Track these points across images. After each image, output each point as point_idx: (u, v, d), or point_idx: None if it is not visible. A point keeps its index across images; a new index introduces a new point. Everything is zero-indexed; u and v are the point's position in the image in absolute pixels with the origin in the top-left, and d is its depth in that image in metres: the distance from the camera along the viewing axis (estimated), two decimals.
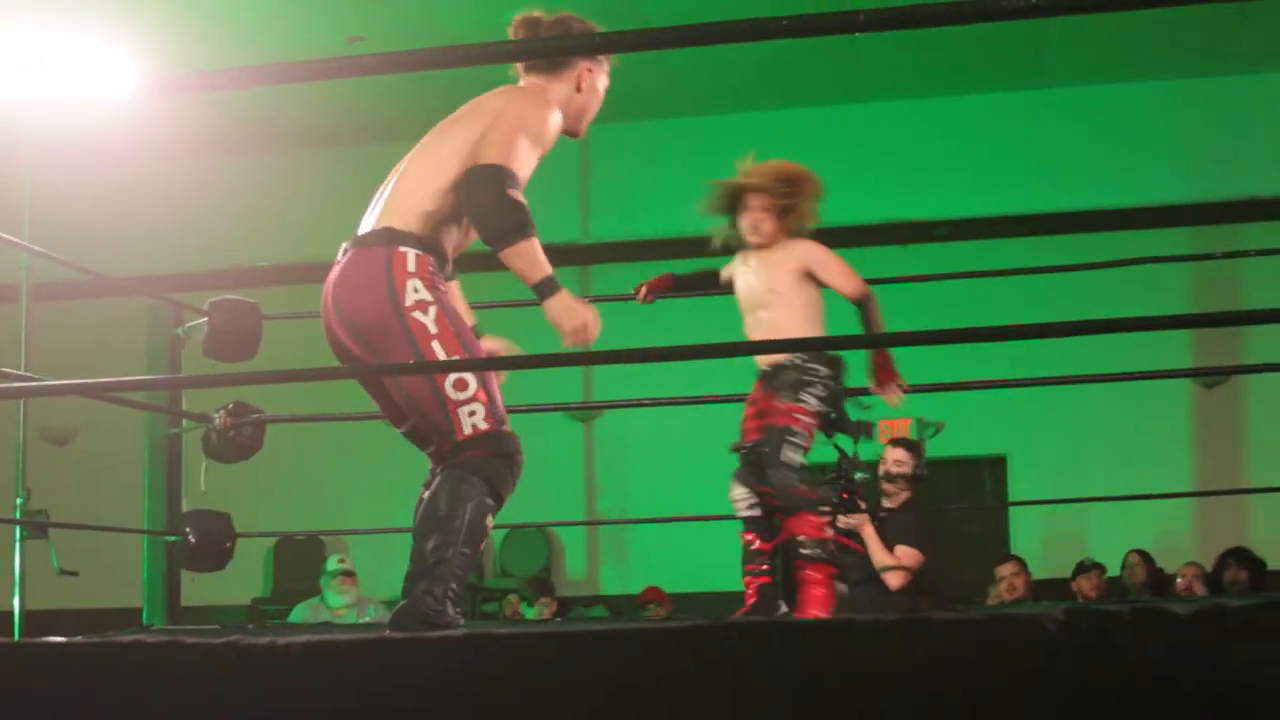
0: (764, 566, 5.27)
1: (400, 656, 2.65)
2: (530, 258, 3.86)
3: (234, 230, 11.15)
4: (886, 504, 7.27)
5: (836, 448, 6.63)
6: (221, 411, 6.53)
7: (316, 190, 10.83)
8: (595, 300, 5.04)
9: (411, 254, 3.89)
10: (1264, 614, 2.50)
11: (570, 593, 11.81)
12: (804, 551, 5.20)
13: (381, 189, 4.12)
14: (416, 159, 4.09)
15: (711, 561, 9.25)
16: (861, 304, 5.20)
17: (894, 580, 7.10)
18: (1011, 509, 11.32)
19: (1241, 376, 11.01)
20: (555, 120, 4.15)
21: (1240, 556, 9.18)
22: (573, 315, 3.88)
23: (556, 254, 4.42)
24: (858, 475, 6.71)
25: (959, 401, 8.08)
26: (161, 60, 8.78)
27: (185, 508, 6.79)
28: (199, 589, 9.26)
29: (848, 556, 7.01)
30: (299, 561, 11.81)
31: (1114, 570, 9.68)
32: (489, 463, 3.80)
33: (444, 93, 10.70)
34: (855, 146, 10.52)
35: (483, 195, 3.87)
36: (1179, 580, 9.38)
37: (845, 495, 6.57)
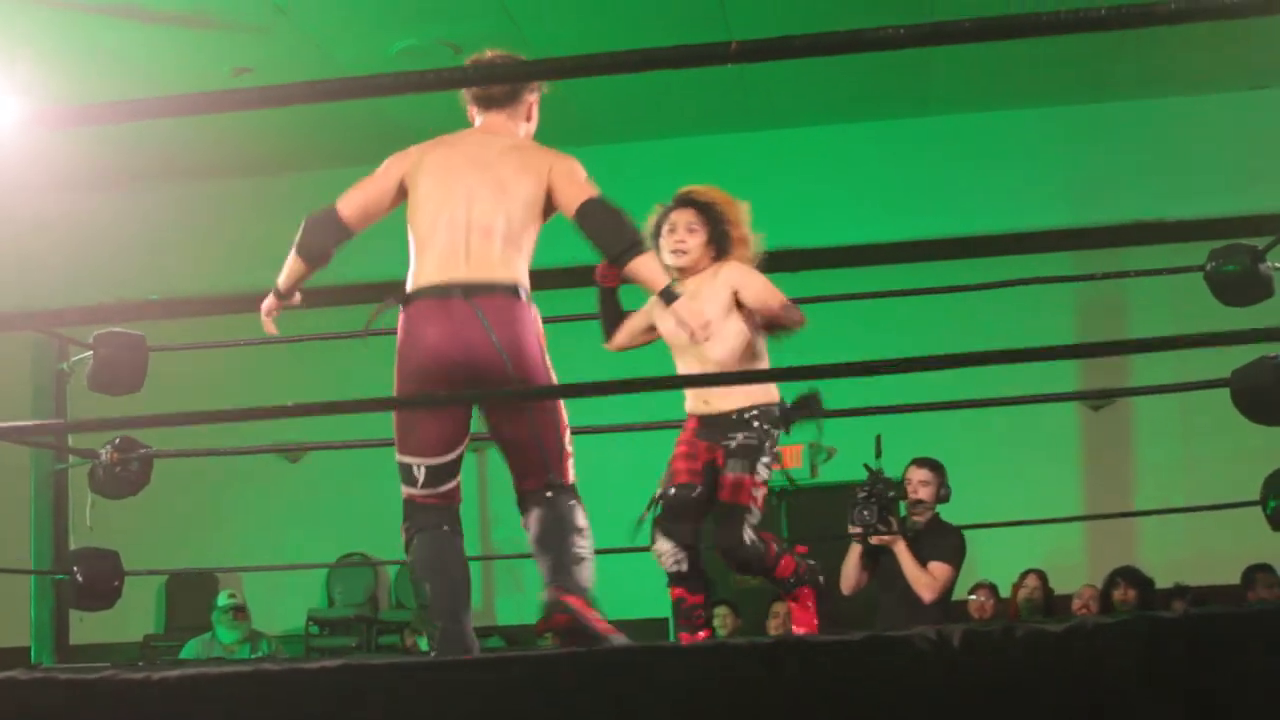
0: (699, 621, 5.04)
1: (277, 688, 2.64)
2: (654, 266, 4.50)
3: (119, 264, 10.99)
4: (914, 522, 7.21)
5: (866, 468, 6.72)
6: (108, 447, 6.46)
7: (204, 223, 10.70)
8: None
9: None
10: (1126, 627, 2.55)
11: None
12: (790, 584, 5.12)
13: (454, 232, 4.43)
14: (486, 211, 4.44)
15: (610, 591, 9.23)
16: (781, 322, 5.04)
17: (926, 594, 7.08)
18: None
19: (1127, 398, 11.17)
20: None
21: (1129, 576, 9.28)
22: (695, 314, 4.47)
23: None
24: (890, 494, 6.84)
25: (850, 427, 8.10)
26: (45, 95, 8.68)
27: (73, 545, 6.73)
28: (91, 627, 9.13)
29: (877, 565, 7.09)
30: (191, 597, 11.65)
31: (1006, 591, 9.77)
32: (576, 505, 4.43)
33: (328, 124, 10.66)
34: (742, 174, 10.53)
35: (611, 218, 4.41)
36: (1076, 600, 9.47)
37: (881, 514, 6.67)
